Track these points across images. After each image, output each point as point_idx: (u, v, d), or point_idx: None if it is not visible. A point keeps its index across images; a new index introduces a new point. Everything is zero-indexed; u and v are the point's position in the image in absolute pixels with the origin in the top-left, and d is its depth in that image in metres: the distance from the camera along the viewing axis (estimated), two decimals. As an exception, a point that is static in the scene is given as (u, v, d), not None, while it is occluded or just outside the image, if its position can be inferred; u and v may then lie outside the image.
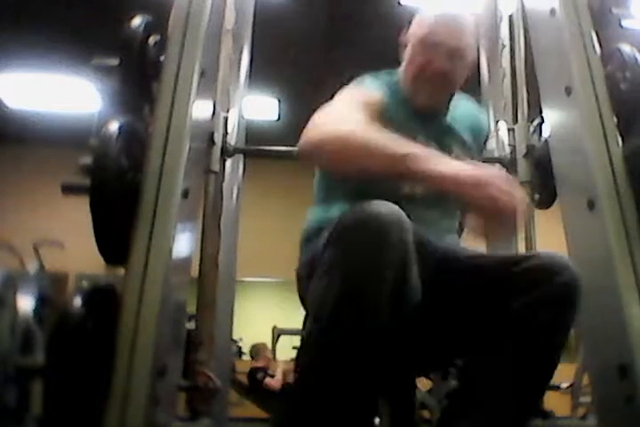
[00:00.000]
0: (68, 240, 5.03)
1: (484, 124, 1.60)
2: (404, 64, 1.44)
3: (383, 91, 1.40)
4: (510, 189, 1.02)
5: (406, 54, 1.43)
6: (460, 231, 1.55)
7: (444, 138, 1.42)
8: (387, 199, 1.04)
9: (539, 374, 1.10)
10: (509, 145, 2.23)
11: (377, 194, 1.06)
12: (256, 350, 5.92)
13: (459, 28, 1.38)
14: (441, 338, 1.25)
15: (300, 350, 1.01)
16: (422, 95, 1.40)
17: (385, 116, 1.30)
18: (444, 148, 1.37)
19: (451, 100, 1.47)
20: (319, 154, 1.17)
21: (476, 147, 1.52)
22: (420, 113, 1.41)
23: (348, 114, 1.22)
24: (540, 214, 2.12)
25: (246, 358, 6.19)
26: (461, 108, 1.51)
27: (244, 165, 2.31)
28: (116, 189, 1.17)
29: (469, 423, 1.07)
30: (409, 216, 1.07)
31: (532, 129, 2.12)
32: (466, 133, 1.48)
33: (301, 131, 1.60)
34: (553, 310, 1.09)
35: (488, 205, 1.01)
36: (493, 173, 1.07)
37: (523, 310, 1.10)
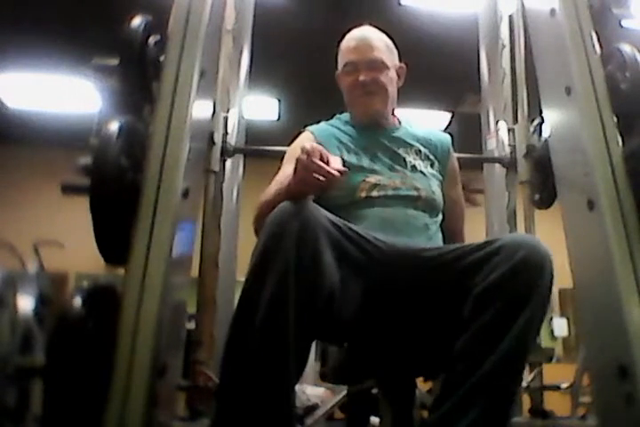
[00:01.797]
0: (68, 240, 5.03)
1: (444, 141, 1.64)
2: (344, 96, 1.59)
3: (325, 127, 1.59)
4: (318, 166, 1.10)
5: (342, 87, 1.59)
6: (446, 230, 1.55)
7: (394, 148, 1.54)
8: (346, 202, 1.41)
9: (515, 350, 1.08)
10: (509, 145, 2.23)
11: (338, 199, 1.40)
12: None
13: (367, 44, 1.53)
14: (420, 336, 1.27)
15: None
16: (361, 109, 1.56)
17: (329, 143, 1.50)
18: (397, 156, 1.53)
19: (394, 111, 1.61)
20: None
21: (436, 158, 1.58)
22: (365, 130, 1.57)
23: (273, 183, 1.40)
24: (539, 214, 2.12)
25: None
26: (419, 126, 1.64)
27: (244, 165, 2.31)
28: (116, 189, 1.17)
29: (451, 406, 1.07)
30: (366, 216, 1.39)
31: (532, 129, 2.12)
32: (422, 145, 1.58)
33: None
34: (517, 285, 1.09)
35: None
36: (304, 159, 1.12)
37: (490, 290, 1.11)
